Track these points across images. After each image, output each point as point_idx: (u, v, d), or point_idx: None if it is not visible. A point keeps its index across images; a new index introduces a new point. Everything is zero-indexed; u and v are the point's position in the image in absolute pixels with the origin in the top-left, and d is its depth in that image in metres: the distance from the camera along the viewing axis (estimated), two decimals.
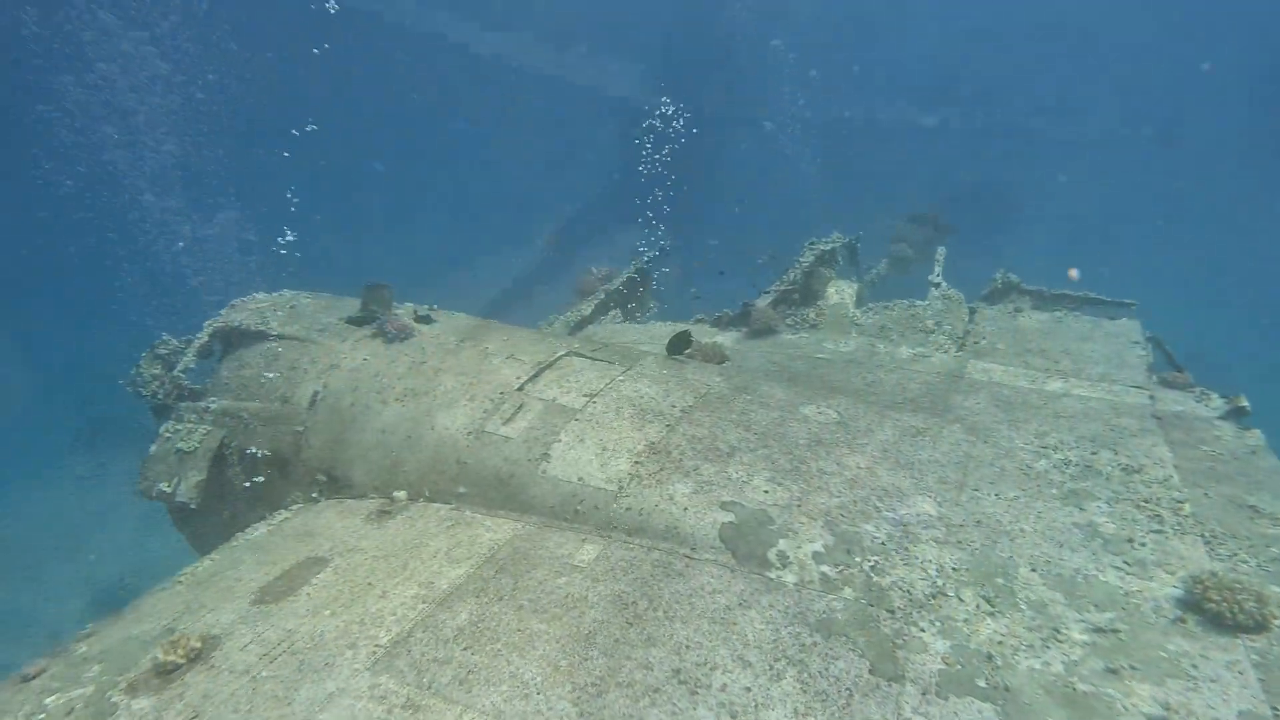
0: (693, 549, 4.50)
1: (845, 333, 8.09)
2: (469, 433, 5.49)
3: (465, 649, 3.78)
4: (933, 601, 4.03)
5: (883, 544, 4.44)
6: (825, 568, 4.27)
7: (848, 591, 4.12)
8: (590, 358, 6.34)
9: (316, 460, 5.86)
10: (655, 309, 10.91)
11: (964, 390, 6.53)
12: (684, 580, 4.25)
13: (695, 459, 5.11)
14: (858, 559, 4.32)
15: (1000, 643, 3.77)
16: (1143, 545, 4.48)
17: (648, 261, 10.84)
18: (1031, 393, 6.49)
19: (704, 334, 8.16)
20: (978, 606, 4.00)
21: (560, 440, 5.29)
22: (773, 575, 4.26)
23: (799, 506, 4.71)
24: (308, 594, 4.39)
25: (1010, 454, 5.47)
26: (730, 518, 4.61)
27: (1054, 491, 5.03)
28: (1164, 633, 3.84)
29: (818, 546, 4.41)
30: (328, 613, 4.17)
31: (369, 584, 4.39)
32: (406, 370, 6.04)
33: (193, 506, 6.08)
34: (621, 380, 5.95)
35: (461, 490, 5.30)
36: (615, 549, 4.57)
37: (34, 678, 4.14)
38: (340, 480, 5.74)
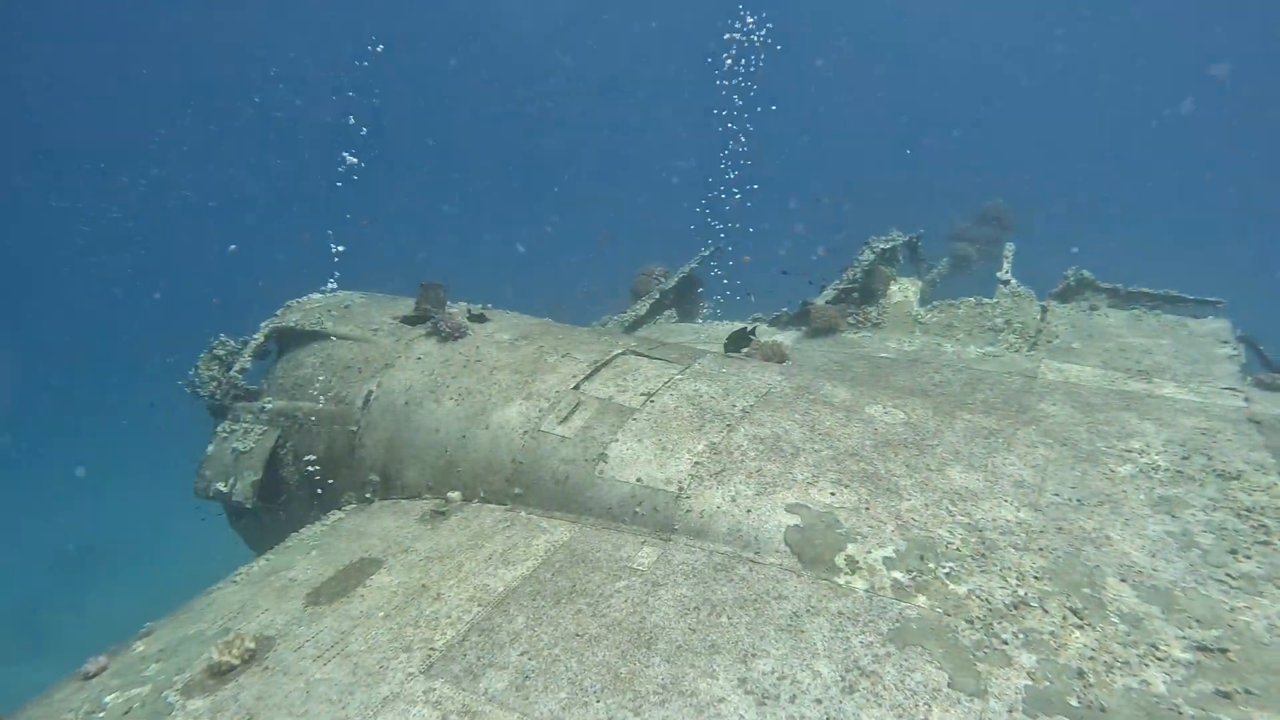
0: (757, 553, 4.31)
1: (909, 331, 7.81)
2: (524, 432, 5.37)
3: (522, 654, 3.64)
4: (1015, 611, 3.77)
5: (958, 549, 4.20)
6: (897, 574, 4.04)
7: (922, 599, 3.88)
8: (647, 356, 6.18)
9: (370, 460, 5.79)
10: (709, 309, 10.73)
11: (1039, 391, 6.22)
12: (748, 585, 4.06)
13: (758, 459, 4.91)
14: (931, 565, 4.09)
15: (1092, 658, 3.50)
16: (1248, 558, 4.16)
17: (704, 260, 10.65)
18: (1112, 394, 6.15)
19: (762, 333, 7.95)
20: (1064, 618, 3.73)
21: (618, 440, 5.14)
22: (841, 581, 4.04)
23: (867, 510, 4.49)
24: (361, 595, 4.29)
25: (1092, 458, 5.16)
26: (796, 520, 4.41)
27: (1141, 498, 4.71)
28: None
29: (889, 551, 4.18)
30: (381, 615, 4.07)
31: (423, 586, 4.29)
32: (460, 369, 5.96)
33: (248, 506, 6.06)
34: (680, 379, 5.78)
35: (517, 491, 5.18)
36: (676, 552, 4.40)
37: (94, 676, 4.13)
38: (394, 480, 5.67)
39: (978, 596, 3.88)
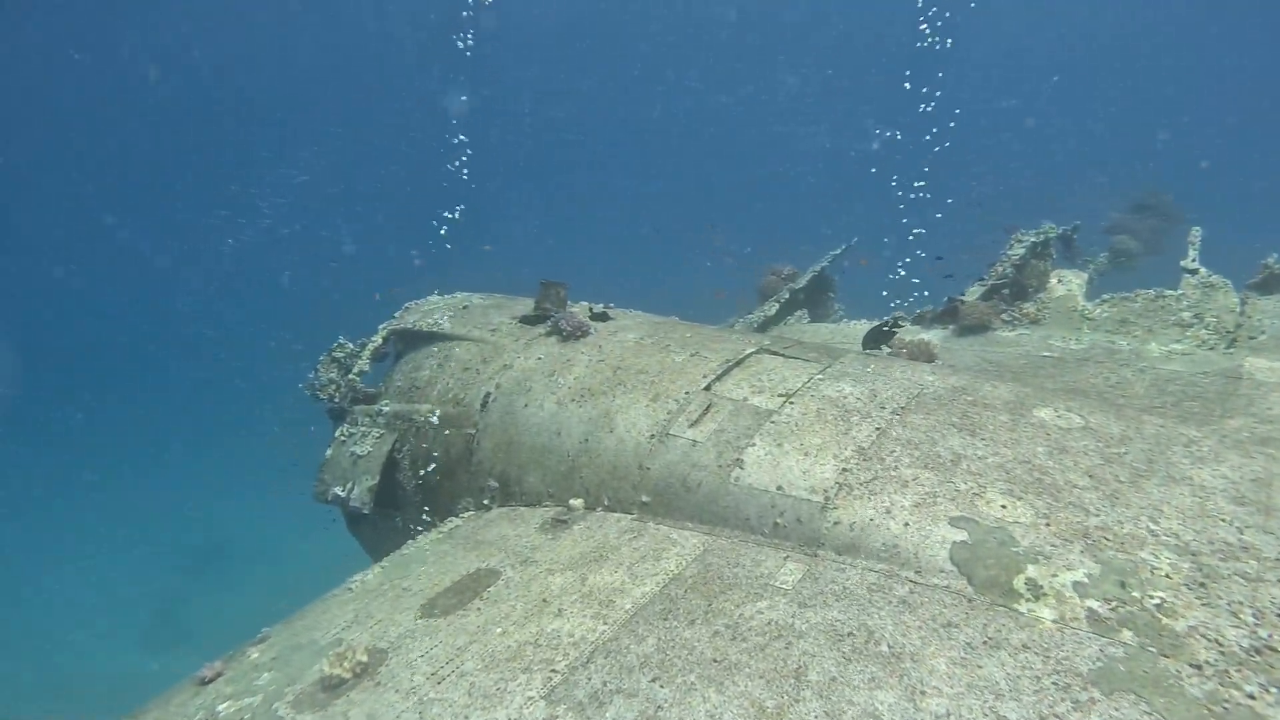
0: (918, 572, 3.74)
1: (1075, 328, 7.00)
2: (651, 436, 4.96)
3: (653, 680, 3.21)
4: (1257, 658, 3.08)
5: (1167, 576, 3.51)
6: (1093, 603, 3.40)
7: (1127, 635, 3.24)
8: (784, 355, 5.68)
9: (488, 464, 5.51)
10: (842, 310, 10.10)
11: (1247, 394, 5.37)
12: (910, 610, 3.51)
13: (913, 467, 4.33)
14: (1136, 594, 3.42)
15: None
16: None
17: (836, 258, 10.02)
18: None
19: (904, 333, 7.30)
20: None
21: (755, 445, 4.66)
22: (1023, 609, 3.44)
23: (1048, 525, 3.85)
24: (478, 609, 3.97)
25: None
26: (962, 536, 3.82)
27: None
28: None
29: (1079, 575, 3.54)
30: (499, 631, 3.73)
31: (544, 600, 3.92)
32: (583, 370, 5.61)
33: (365, 512, 5.89)
34: (821, 379, 5.25)
35: (644, 499, 4.77)
36: (824, 569, 3.88)
37: (210, 681, 3.99)
38: (513, 486, 5.36)
39: (1204, 636, 3.20)
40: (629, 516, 4.78)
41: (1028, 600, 3.47)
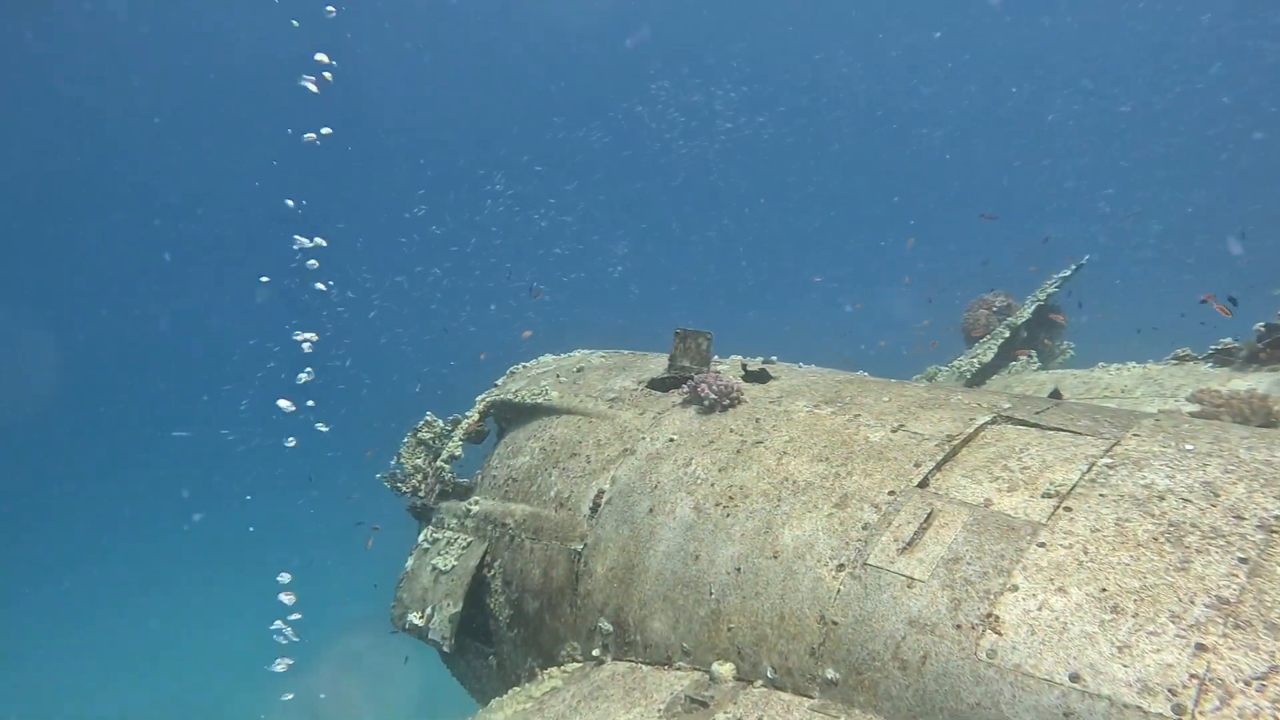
0: None
1: None
2: (838, 566, 3.14)
3: None
4: None
5: None
6: None
7: None
8: (1036, 424, 3.71)
9: (599, 597, 3.85)
10: (1072, 348, 7.82)
11: None
12: None
13: None
14: None
15: None
16: None
17: (1063, 281, 7.72)
18: None
19: (1203, 377, 5.08)
20: None
21: (1017, 589, 2.75)
22: None
23: None
24: None
25: None
26: None
27: None
28: None
29: None
30: None
31: None
32: (732, 455, 3.87)
33: (445, 650, 4.38)
34: (1109, 464, 3.26)
35: (829, 674, 2.96)
36: None
37: None
38: (631, 632, 3.67)
39: None
40: (807, 701, 2.97)
41: None
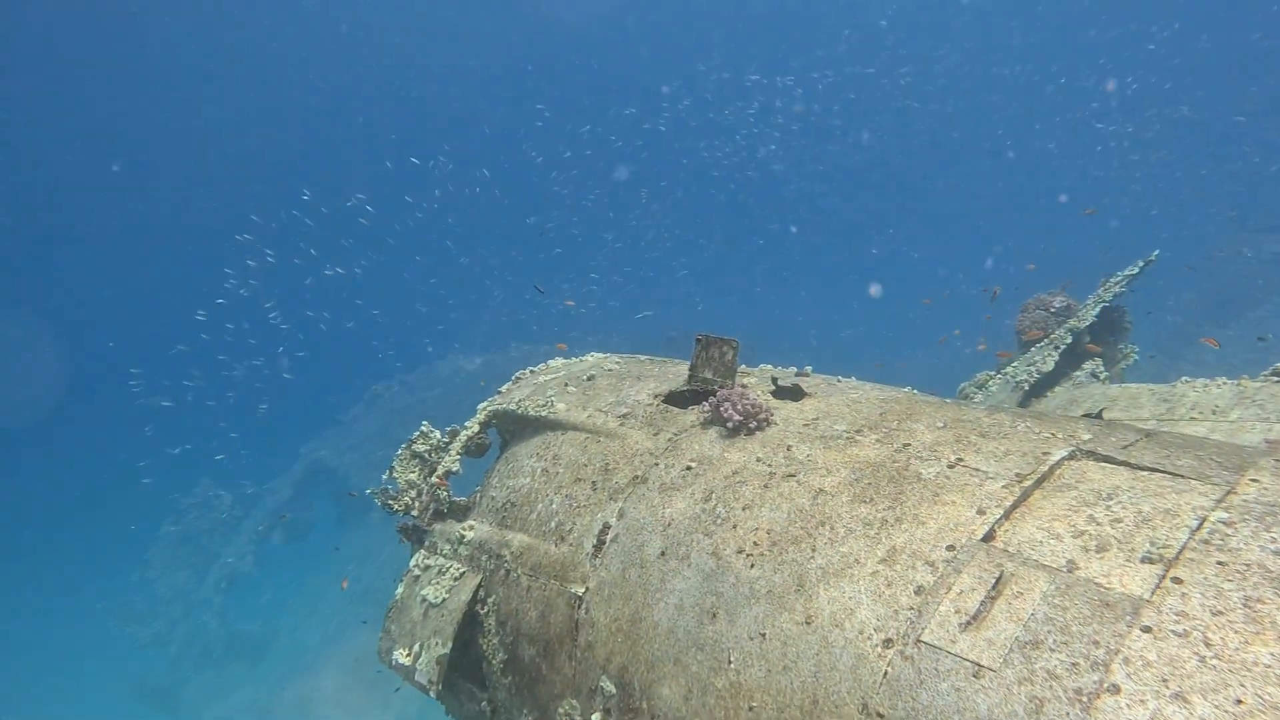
0: None
1: None
2: (884, 640, 2.59)
3: None
4: None
5: None
6: None
7: None
8: (1125, 461, 3.10)
9: (602, 650, 3.33)
10: (1135, 352, 7.12)
11: None
12: None
13: None
14: None
15: None
16: None
17: (1131, 280, 7.00)
18: None
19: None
20: None
21: (1118, 689, 2.18)
22: None
23: None
24: None
25: None
26: None
27: None
28: None
29: None
30: None
31: None
32: (759, 491, 3.32)
33: (431, 694, 3.90)
34: (1224, 519, 2.65)
35: None
36: None
37: None
38: (636, 698, 3.14)
39: None
40: None
41: None
